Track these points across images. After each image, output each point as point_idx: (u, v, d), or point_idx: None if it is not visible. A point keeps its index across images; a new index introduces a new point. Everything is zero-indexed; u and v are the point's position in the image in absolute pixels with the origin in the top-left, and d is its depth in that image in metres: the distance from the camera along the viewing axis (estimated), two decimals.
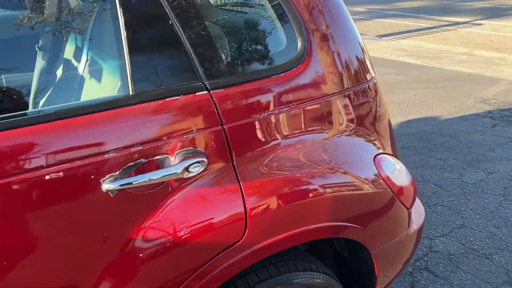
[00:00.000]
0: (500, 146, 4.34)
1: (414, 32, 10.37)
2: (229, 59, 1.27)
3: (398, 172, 1.67)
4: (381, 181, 1.51)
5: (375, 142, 1.61)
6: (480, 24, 11.12)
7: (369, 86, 1.63)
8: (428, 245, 2.85)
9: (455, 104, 5.66)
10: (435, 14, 12.59)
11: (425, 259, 2.73)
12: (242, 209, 1.19)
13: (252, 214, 1.20)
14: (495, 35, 9.84)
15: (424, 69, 7.46)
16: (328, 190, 1.37)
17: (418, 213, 1.88)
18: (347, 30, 1.51)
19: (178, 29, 1.14)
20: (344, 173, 1.47)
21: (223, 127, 1.19)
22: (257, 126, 1.24)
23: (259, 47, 1.33)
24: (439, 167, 3.89)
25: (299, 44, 1.35)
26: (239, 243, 1.20)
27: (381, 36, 10.08)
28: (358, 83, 1.57)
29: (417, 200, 1.97)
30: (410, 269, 2.63)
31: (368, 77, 1.62)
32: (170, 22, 1.13)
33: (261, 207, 1.22)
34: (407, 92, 6.12)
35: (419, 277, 2.57)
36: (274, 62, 1.33)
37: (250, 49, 1.33)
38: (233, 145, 1.20)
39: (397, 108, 5.45)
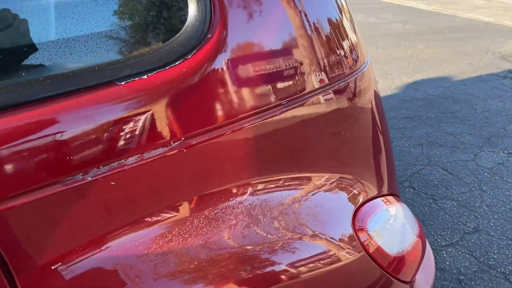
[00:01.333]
0: None
1: None
2: None
3: (393, 222, 1.00)
4: (360, 254, 0.85)
5: (350, 188, 0.91)
6: None
7: (354, 81, 0.91)
8: None
9: (470, 60, 4.86)
10: None
11: None
12: None
13: None
14: None
15: (437, 17, 6.54)
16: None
17: (426, 272, 1.22)
18: None
19: None
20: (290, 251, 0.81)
21: None
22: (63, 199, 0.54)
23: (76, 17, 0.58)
24: (450, 145, 3.19)
25: (191, 10, 0.61)
26: None
27: None
28: (333, 80, 0.85)
29: (427, 248, 1.30)
30: None
31: (353, 66, 0.90)
32: None
33: None
34: (415, 46, 5.29)
35: None
36: (125, 50, 0.60)
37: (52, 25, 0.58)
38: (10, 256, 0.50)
39: (403, 65, 4.66)
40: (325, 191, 0.83)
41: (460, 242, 2.33)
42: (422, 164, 2.98)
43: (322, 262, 0.84)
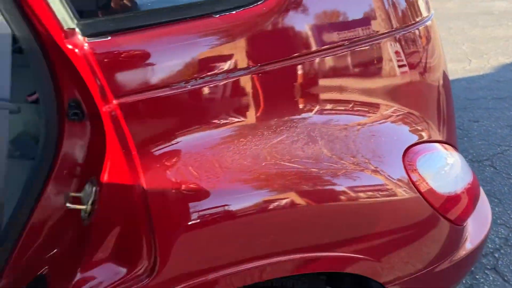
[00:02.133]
0: None
1: None
2: None
3: (449, 170, 1.08)
4: (411, 191, 0.95)
5: (414, 125, 1.02)
6: None
7: (418, 32, 1.01)
8: (505, 236, 2.20)
9: None
10: None
11: (496, 255, 2.10)
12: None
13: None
14: None
15: None
16: (305, 205, 0.86)
17: (479, 222, 1.28)
18: None
19: None
20: (350, 176, 0.94)
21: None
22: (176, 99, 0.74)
23: None
24: None
25: None
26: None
27: None
28: (404, 25, 0.97)
29: (482, 196, 1.35)
30: (473, 268, 2.03)
31: (418, 16, 1.00)
32: None
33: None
34: None
35: (482, 279, 1.99)
36: None
37: None
38: (130, 131, 0.72)
39: (502, 46, 4.39)
40: (391, 122, 0.95)
41: None
42: (508, 146, 2.88)
43: (379, 193, 0.95)
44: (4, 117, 0.82)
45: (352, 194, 0.94)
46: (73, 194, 0.83)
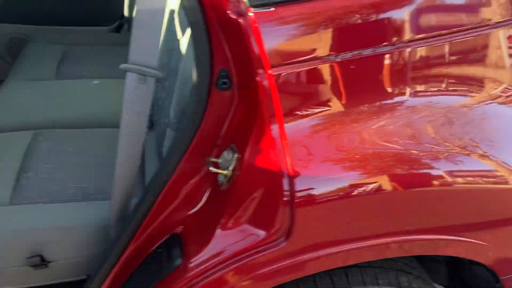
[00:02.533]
0: None
1: None
2: None
3: None
4: None
5: None
6: None
7: None
8: None
9: None
10: None
11: None
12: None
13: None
14: None
15: None
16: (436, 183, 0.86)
17: None
18: None
19: None
20: (482, 156, 0.91)
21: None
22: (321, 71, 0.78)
23: None
24: None
25: None
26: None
27: None
28: None
29: None
30: None
31: None
32: None
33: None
34: None
35: None
36: None
37: None
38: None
39: None
40: (499, 103, 0.92)
41: None
42: None
43: (483, 179, 0.92)
44: (151, 84, 0.88)
45: (458, 178, 0.89)
46: (213, 159, 0.88)
